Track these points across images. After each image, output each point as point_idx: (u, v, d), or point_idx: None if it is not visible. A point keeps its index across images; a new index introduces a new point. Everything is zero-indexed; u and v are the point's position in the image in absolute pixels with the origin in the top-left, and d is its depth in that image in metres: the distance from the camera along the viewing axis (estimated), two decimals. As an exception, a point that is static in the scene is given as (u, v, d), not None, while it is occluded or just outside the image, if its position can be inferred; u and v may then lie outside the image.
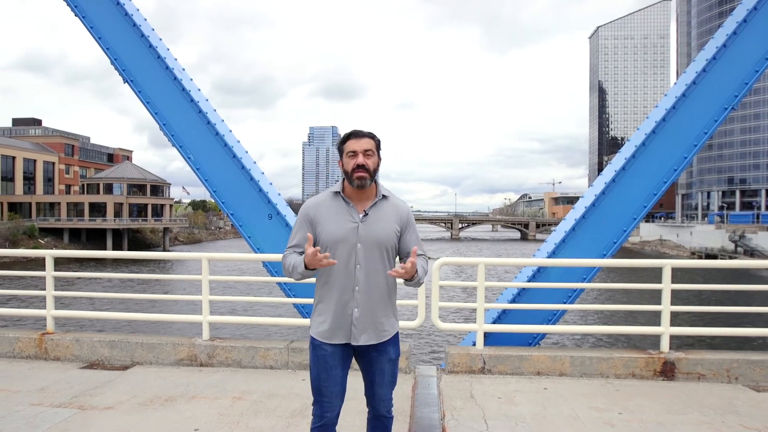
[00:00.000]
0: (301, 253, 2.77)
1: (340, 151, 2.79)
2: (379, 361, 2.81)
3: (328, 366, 2.75)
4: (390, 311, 2.83)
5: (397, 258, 2.87)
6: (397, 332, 2.88)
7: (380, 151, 2.80)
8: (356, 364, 2.89)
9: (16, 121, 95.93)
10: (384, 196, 2.79)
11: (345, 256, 2.69)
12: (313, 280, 2.89)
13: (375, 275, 2.72)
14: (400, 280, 2.84)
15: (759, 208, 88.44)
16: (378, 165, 2.76)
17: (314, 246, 2.74)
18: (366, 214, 2.72)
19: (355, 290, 2.70)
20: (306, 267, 2.64)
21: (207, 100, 7.54)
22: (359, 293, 2.71)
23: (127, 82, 7.31)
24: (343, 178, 2.80)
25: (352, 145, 2.72)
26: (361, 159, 2.68)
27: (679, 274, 5.33)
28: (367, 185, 2.71)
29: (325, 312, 2.77)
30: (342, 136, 2.84)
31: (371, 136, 2.76)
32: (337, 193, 2.78)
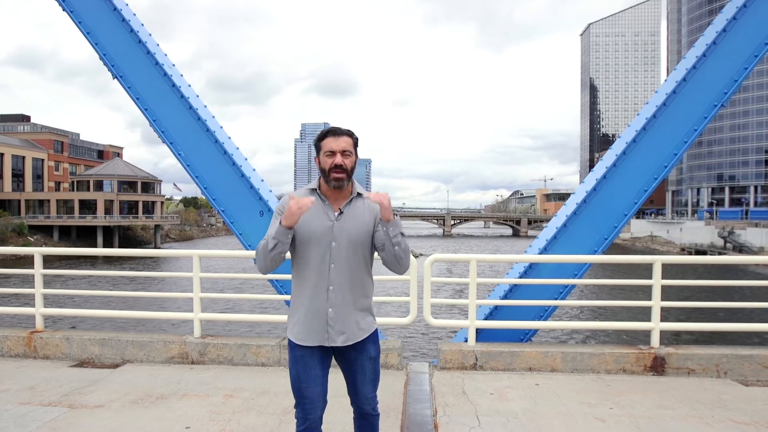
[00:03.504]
0: None
1: (318, 148, 2.73)
2: (359, 360, 2.77)
3: (307, 366, 2.71)
4: (366, 310, 2.78)
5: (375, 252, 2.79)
6: (376, 330, 2.84)
7: (357, 149, 2.74)
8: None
9: (4, 118, 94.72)
10: (359, 194, 2.74)
11: (319, 254, 2.65)
12: None
13: (350, 274, 2.68)
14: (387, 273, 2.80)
15: (747, 204, 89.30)
16: (355, 164, 2.71)
17: (291, 243, 2.66)
18: (341, 212, 2.68)
19: (329, 290, 2.65)
20: (281, 224, 2.54)
21: (198, 96, 7.48)
22: (333, 293, 2.65)
23: (117, 78, 7.24)
24: (320, 176, 2.75)
25: (330, 143, 2.66)
26: (339, 159, 2.63)
27: (669, 270, 5.36)
28: (344, 186, 2.66)
29: (299, 313, 2.72)
30: (319, 132, 2.77)
31: (350, 134, 2.71)
32: (313, 190, 2.73)
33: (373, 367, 2.82)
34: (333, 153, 2.65)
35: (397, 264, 2.70)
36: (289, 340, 2.77)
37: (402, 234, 2.67)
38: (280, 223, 2.55)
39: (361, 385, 2.81)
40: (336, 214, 2.67)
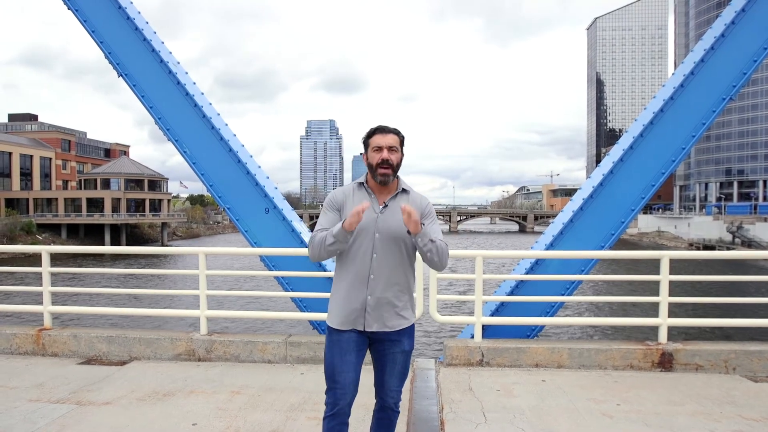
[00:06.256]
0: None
1: (366, 145, 2.85)
2: (392, 351, 2.84)
3: (342, 351, 2.78)
4: (407, 301, 2.86)
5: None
6: (413, 325, 2.91)
7: (404, 147, 2.88)
8: (368, 356, 2.91)
9: (12, 117, 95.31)
10: (404, 190, 2.87)
11: (363, 244, 2.76)
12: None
13: (391, 265, 2.78)
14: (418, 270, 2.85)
15: (756, 198, 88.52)
16: (401, 160, 2.85)
17: None
18: (386, 206, 2.80)
19: (369, 278, 2.75)
20: (343, 227, 2.64)
21: (202, 93, 7.50)
22: (374, 281, 2.75)
23: (122, 75, 7.26)
24: (367, 171, 2.88)
25: (378, 140, 2.80)
26: (386, 154, 2.76)
27: (677, 266, 5.32)
28: (389, 181, 2.80)
29: (339, 298, 2.82)
30: (368, 130, 2.89)
31: (396, 132, 2.85)
32: (361, 184, 2.87)
33: (404, 361, 2.89)
34: (380, 149, 2.78)
35: (433, 263, 2.78)
36: (328, 326, 2.87)
37: (432, 240, 2.72)
38: (342, 226, 2.63)
39: (389, 377, 2.87)
40: (381, 207, 2.80)
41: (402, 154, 2.85)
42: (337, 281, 2.86)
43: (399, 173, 2.86)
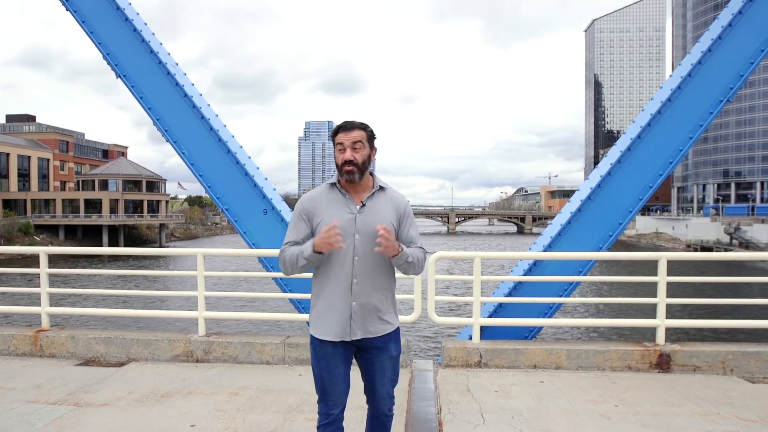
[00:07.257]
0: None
1: (333, 143, 2.71)
2: (379, 359, 2.74)
3: (330, 366, 2.68)
4: (390, 305, 2.75)
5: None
6: (398, 328, 2.81)
7: (374, 141, 2.73)
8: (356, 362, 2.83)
9: (10, 118, 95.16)
10: (381, 188, 2.73)
11: (344, 247, 2.62)
12: (310, 275, 2.82)
13: (374, 267, 2.65)
14: (398, 275, 2.81)
15: (754, 200, 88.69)
16: (370, 156, 2.68)
17: (313, 235, 2.68)
18: (363, 205, 2.66)
19: (353, 282, 2.62)
20: (314, 250, 2.55)
21: (201, 95, 7.50)
22: (357, 285, 2.63)
23: (120, 77, 7.26)
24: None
25: (340, 138, 2.64)
26: (348, 154, 2.61)
27: (674, 267, 5.33)
28: (355, 180, 2.64)
29: (323, 307, 2.69)
30: (334, 127, 2.74)
31: (362, 127, 2.68)
32: (333, 184, 2.71)
33: (393, 367, 2.79)
34: (343, 148, 2.64)
35: (407, 273, 2.75)
36: (312, 338, 2.73)
37: (408, 262, 2.65)
38: (313, 249, 2.55)
39: (380, 385, 2.77)
40: (358, 207, 2.66)
41: (370, 149, 2.69)
42: (318, 288, 2.71)
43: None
